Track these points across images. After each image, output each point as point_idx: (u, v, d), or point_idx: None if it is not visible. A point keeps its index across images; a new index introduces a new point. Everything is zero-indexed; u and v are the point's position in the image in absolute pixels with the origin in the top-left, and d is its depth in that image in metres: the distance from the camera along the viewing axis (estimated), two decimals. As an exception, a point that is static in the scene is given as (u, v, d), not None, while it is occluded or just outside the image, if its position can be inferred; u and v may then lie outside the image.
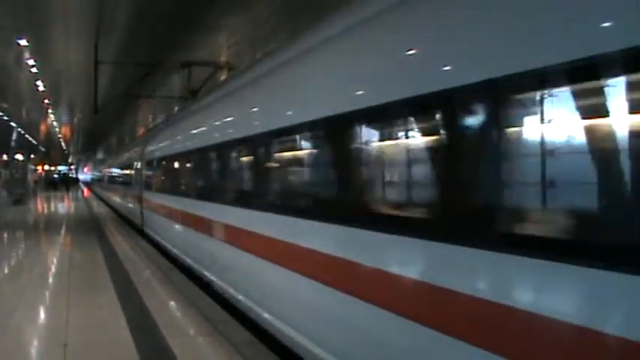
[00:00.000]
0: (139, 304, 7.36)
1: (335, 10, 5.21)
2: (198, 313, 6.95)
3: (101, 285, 8.65)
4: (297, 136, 5.39)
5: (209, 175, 8.65)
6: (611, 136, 2.48)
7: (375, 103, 3.94)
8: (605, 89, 2.46)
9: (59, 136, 56.45)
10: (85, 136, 57.28)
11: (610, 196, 2.50)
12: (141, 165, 16.67)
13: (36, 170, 63.90)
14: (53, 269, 10.50)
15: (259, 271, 5.95)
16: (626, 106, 2.39)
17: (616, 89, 2.41)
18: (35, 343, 6.06)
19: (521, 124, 2.92)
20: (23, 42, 17.94)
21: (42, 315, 7.19)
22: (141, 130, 38.23)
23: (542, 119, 2.73)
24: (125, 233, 16.36)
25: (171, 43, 16.98)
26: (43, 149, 67.60)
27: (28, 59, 20.57)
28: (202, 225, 8.33)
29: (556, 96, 2.68)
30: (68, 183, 56.53)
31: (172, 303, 7.66)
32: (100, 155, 66.87)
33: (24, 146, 51.95)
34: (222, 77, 15.47)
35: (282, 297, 5.47)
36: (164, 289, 8.51)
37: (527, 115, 2.86)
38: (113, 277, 9.23)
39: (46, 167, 74.34)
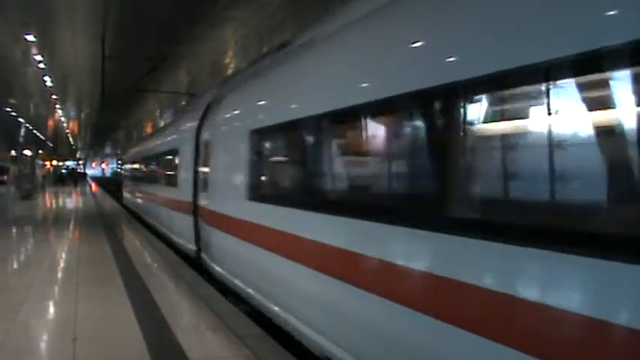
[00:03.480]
0: (148, 299, 7.36)
1: (342, 1, 5.13)
2: (206, 306, 6.95)
3: (109, 279, 8.66)
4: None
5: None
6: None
7: None
8: None
9: (67, 131, 56.64)
10: (92, 131, 57.44)
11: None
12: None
13: (44, 166, 64.22)
14: (62, 263, 10.53)
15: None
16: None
17: None
18: (45, 337, 6.08)
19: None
20: (30, 37, 17.96)
21: (51, 309, 7.20)
22: (149, 125, 39.00)
23: None
24: (133, 228, 16.40)
25: (177, 36, 16.96)
26: (50, 144, 67.90)
27: (36, 55, 20.61)
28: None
29: None
30: (76, 178, 56.77)
31: (181, 297, 7.67)
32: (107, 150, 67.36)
33: (32, 142, 52.19)
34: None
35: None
36: (172, 284, 8.52)
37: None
38: (121, 272, 9.24)
39: (54, 162, 74.66)
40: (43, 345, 5.83)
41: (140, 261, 10.44)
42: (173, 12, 14.80)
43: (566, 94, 2.60)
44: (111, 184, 50.74)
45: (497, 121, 3.11)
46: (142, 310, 6.71)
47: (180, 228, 10.99)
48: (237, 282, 7.07)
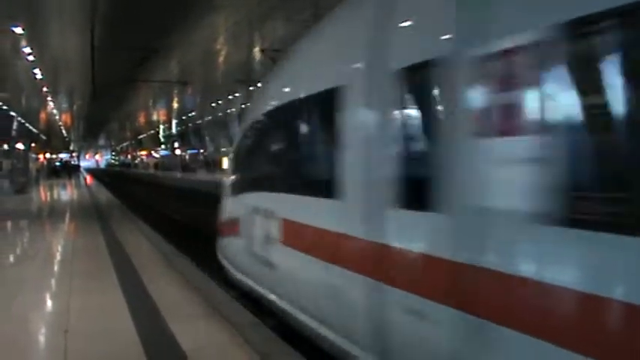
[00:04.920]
0: (141, 290, 7.34)
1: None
2: (200, 296, 6.93)
3: (103, 271, 8.63)
4: None
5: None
6: None
7: None
8: None
9: (59, 123, 56.35)
10: (85, 123, 57.21)
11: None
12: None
13: (37, 159, 63.99)
14: (56, 256, 10.50)
15: None
16: None
17: None
18: (37, 329, 6.05)
19: None
20: (18, 30, 17.77)
21: (44, 302, 7.17)
22: (141, 115, 38.75)
23: None
24: (127, 220, 16.35)
25: (167, 26, 16.82)
26: (44, 137, 67.56)
27: (25, 47, 20.41)
28: None
29: None
30: (70, 170, 56.80)
31: (174, 287, 7.64)
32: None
33: (24, 135, 51.92)
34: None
35: None
36: (166, 274, 8.49)
37: None
38: (115, 263, 9.21)
39: (48, 155, 74.31)
40: (34, 337, 5.81)
41: (134, 252, 10.40)
42: (162, 1, 14.67)
43: None
44: (105, 176, 50.71)
45: None
46: (135, 302, 6.68)
47: None
48: None
